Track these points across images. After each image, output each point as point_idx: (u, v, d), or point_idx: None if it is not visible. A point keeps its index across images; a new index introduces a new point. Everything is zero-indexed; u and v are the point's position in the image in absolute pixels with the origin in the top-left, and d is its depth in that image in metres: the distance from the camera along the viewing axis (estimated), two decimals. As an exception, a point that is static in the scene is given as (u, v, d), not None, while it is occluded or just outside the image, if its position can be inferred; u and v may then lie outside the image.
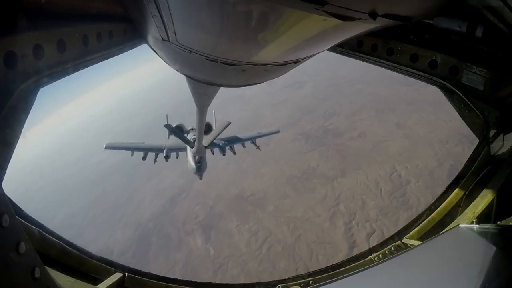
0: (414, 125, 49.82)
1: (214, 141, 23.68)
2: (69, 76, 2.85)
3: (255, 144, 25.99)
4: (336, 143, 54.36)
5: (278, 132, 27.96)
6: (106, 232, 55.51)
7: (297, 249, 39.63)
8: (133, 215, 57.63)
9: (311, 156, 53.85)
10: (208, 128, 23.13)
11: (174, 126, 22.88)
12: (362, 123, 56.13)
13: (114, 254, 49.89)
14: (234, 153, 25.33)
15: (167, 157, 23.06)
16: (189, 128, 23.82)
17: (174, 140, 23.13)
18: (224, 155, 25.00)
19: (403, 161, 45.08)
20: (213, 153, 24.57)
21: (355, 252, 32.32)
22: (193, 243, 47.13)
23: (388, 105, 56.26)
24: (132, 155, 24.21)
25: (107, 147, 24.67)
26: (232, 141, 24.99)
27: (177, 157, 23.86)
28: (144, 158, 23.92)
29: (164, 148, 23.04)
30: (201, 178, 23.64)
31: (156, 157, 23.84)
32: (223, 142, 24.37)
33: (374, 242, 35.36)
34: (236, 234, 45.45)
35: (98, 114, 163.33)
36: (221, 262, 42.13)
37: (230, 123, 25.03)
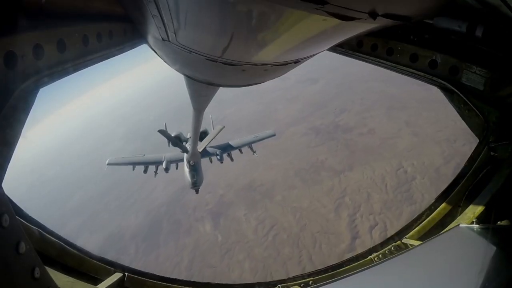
0: (423, 123, 50.17)
1: (211, 150, 23.86)
2: (69, 76, 2.87)
3: (252, 149, 25.76)
4: (345, 138, 55.11)
5: (274, 135, 27.54)
6: (119, 217, 57.33)
7: (301, 237, 40.56)
8: (146, 201, 59.09)
9: (320, 150, 54.69)
10: (204, 136, 23.35)
11: (173, 135, 22.61)
12: (372, 120, 56.70)
13: (126, 237, 51.79)
14: (232, 159, 25.35)
15: (167, 169, 23.00)
16: (188, 136, 23.44)
17: (173, 151, 23.07)
18: (221, 162, 24.86)
19: (410, 158, 45.51)
20: (211, 161, 24.48)
21: (357, 243, 33.24)
22: (202, 229, 48.58)
23: (399, 103, 56.71)
24: (133, 169, 24.20)
25: (109, 164, 24.78)
26: (228, 148, 24.94)
27: (176, 168, 23.90)
28: (145, 171, 23.88)
29: (163, 160, 22.96)
30: (197, 193, 23.50)
31: (156, 170, 23.80)
32: (219, 150, 24.26)
33: (376, 234, 36.26)
34: (244, 221, 46.77)
35: (108, 108, 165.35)
36: (228, 248, 43.38)
37: (224, 127, 25.03)
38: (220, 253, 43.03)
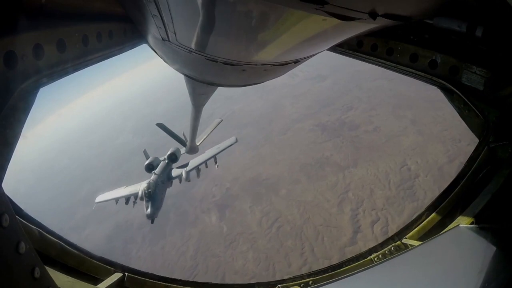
0: (429, 122, 50.13)
1: (176, 172, 23.94)
2: (69, 76, 2.88)
3: (215, 161, 25.24)
4: (351, 135, 55.28)
5: (236, 142, 26.73)
6: (127, 207, 57.29)
7: (304, 230, 41.10)
8: (154, 193, 60.01)
9: (326, 146, 54.94)
10: (174, 157, 23.84)
11: (148, 161, 23.56)
12: (378, 118, 56.81)
13: (134, 227, 52.71)
14: (198, 176, 25.08)
15: (142, 198, 22.50)
16: (162, 158, 24.24)
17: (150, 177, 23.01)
18: (189, 181, 24.67)
19: (414, 156, 45.71)
20: (180, 182, 24.42)
21: (359, 237, 33.77)
22: (208, 220, 49.43)
23: (406, 102, 56.60)
24: (116, 203, 25.25)
25: (97, 202, 26.05)
26: (187, 165, 24.72)
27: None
28: (126, 203, 24.58)
29: (139, 190, 22.64)
30: (152, 223, 22.79)
31: (135, 200, 23.92)
32: (184, 170, 24.16)
33: (378, 229, 36.48)
34: (249, 214, 47.45)
35: (116, 104, 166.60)
36: (233, 238, 44.13)
37: (222, 120, 26.34)
38: (225, 244, 43.94)
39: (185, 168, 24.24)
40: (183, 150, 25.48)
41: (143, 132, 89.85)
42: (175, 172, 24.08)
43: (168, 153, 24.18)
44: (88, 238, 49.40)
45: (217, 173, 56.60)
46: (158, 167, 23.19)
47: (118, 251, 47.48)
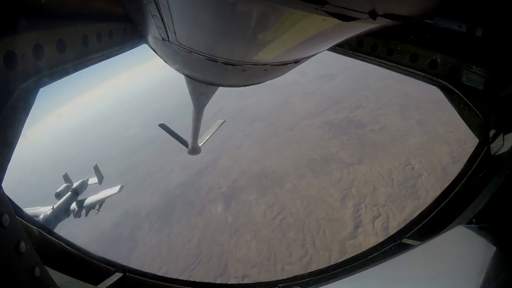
0: (435, 123, 50.12)
1: (72, 207, 23.91)
2: (69, 76, 2.88)
3: (99, 207, 26.03)
4: (357, 134, 55.66)
5: (120, 190, 27.50)
6: (136, 196, 59.12)
7: (307, 222, 41.78)
8: (162, 183, 61.31)
9: (332, 143, 55.46)
10: (75, 193, 24.15)
11: (59, 190, 23.90)
12: (385, 117, 57.04)
13: (141, 215, 54.45)
14: (86, 215, 25.18)
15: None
16: (76, 183, 24.89)
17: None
18: (79, 217, 24.72)
19: (419, 156, 46.01)
20: (74, 216, 24.41)
21: (360, 231, 34.42)
22: (214, 210, 50.21)
23: (413, 102, 56.74)
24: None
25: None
26: (82, 204, 24.81)
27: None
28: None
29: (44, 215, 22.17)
30: None
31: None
32: (78, 208, 24.22)
33: (378, 224, 36.95)
34: (254, 205, 48.19)
35: (127, 97, 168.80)
36: (237, 228, 44.96)
37: (224, 121, 26.12)
38: (229, 233, 44.85)
39: (76, 207, 24.34)
40: (91, 180, 26.90)
41: (153, 125, 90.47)
42: (73, 206, 24.26)
43: (72, 187, 24.73)
44: (97, 226, 50.09)
45: (224, 165, 57.85)
46: (60, 200, 23.29)
47: (125, 237, 48.78)
